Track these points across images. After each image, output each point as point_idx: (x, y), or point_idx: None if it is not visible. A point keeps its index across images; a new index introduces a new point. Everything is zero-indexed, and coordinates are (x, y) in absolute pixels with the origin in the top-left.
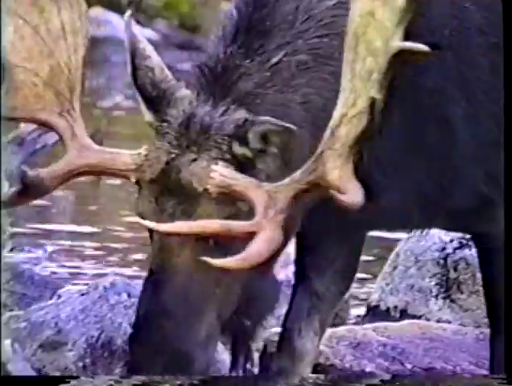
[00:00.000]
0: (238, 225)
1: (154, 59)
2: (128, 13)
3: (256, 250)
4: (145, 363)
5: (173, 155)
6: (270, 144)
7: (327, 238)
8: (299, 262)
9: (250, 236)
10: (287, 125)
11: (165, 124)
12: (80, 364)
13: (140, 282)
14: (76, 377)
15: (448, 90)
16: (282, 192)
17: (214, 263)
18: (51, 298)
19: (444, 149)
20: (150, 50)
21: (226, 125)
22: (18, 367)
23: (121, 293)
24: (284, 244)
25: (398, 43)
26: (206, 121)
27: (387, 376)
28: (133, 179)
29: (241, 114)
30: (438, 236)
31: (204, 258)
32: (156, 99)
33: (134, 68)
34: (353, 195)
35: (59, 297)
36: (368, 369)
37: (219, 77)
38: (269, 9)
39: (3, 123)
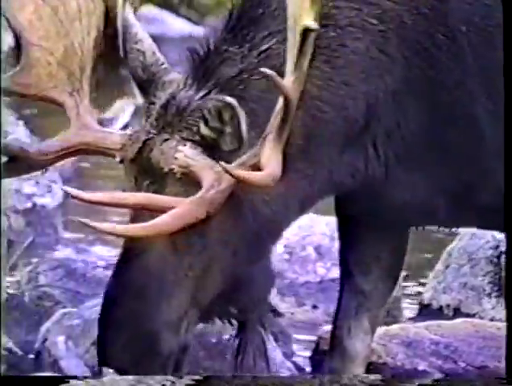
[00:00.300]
0: (160, 199)
1: (146, 43)
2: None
3: (162, 222)
4: (109, 338)
5: (151, 135)
6: (225, 123)
7: (369, 235)
8: (343, 261)
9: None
10: (228, 99)
11: (151, 106)
12: None
13: None
14: (76, 377)
15: (468, 86)
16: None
17: (103, 228)
18: None
19: (469, 146)
20: (142, 34)
21: (200, 108)
22: (72, 364)
23: None
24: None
25: (305, 23)
26: (184, 103)
27: (440, 375)
28: (117, 158)
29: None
30: (491, 234)
31: (84, 220)
32: (146, 82)
33: (126, 52)
34: (270, 170)
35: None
36: (420, 367)
37: (204, 61)
38: None
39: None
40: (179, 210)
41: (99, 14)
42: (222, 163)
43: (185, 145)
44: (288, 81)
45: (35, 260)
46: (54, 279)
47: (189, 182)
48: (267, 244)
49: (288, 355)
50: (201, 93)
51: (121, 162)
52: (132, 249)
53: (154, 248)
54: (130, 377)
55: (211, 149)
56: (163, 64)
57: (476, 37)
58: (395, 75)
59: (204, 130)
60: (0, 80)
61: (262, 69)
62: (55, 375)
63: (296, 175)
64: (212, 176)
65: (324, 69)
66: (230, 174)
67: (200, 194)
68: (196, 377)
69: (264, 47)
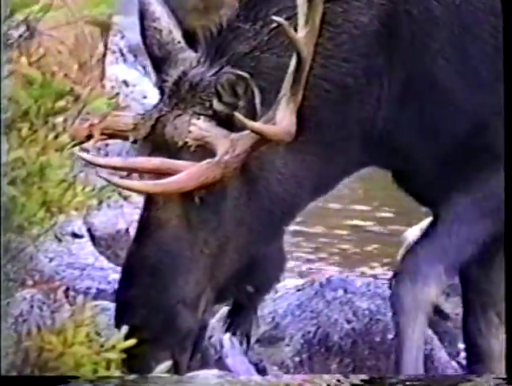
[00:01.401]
0: (176, 163)
1: (163, 20)
2: None
3: (179, 179)
4: (127, 314)
5: (163, 112)
6: (239, 97)
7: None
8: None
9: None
10: (241, 73)
11: (164, 83)
12: (297, 359)
13: (357, 279)
14: (76, 377)
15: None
16: (243, 140)
17: (123, 183)
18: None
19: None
20: (159, 12)
21: (213, 84)
22: (237, 361)
23: (337, 289)
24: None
25: None
26: (196, 79)
27: None
28: (131, 139)
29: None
30: None
31: (105, 176)
32: (161, 60)
33: (143, 29)
34: (284, 125)
35: (276, 292)
36: None
37: (216, 39)
38: None
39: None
40: (194, 169)
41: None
42: (237, 114)
43: (199, 118)
44: (300, 35)
45: None
46: None
47: (204, 155)
48: (281, 225)
49: (453, 355)
50: (214, 70)
51: (135, 142)
52: (147, 226)
53: (168, 225)
54: (297, 376)
55: (225, 123)
56: (179, 43)
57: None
58: (396, 49)
59: (217, 106)
60: (0, 80)
61: (274, 17)
62: (55, 375)
63: (310, 157)
64: (227, 144)
65: (327, 46)
66: (245, 126)
67: (215, 159)
68: (362, 376)
69: (275, 24)
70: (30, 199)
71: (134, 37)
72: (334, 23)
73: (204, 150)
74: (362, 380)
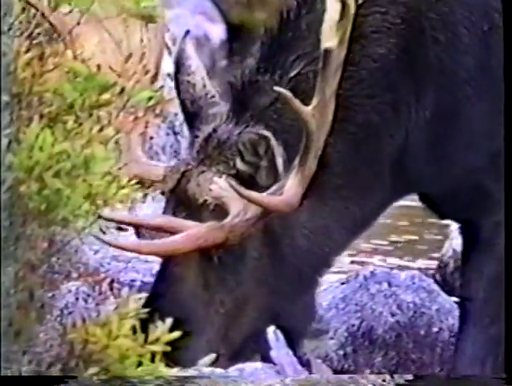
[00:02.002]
0: (179, 221)
1: (198, 75)
2: (186, 29)
3: (174, 241)
4: None
5: (190, 167)
6: (261, 157)
7: None
8: None
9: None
10: (262, 132)
11: (196, 139)
12: (341, 353)
13: (401, 272)
14: (76, 377)
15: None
16: (255, 206)
17: (115, 243)
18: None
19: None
20: (195, 66)
21: (238, 142)
22: (281, 354)
23: (381, 282)
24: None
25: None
26: (224, 137)
27: None
28: (158, 190)
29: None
30: None
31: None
32: (194, 115)
33: (178, 83)
34: (286, 196)
35: (320, 285)
36: None
37: (239, 93)
38: (294, 19)
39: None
40: (194, 231)
41: (158, 51)
42: (233, 183)
43: (221, 177)
44: (308, 108)
45: None
46: None
47: (223, 215)
48: (310, 279)
49: None
50: (240, 127)
51: (163, 193)
52: (165, 279)
53: (185, 282)
54: (344, 376)
55: (248, 183)
56: (212, 97)
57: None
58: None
59: (240, 165)
60: (0, 80)
61: (277, 88)
62: (55, 375)
63: (341, 203)
64: (240, 206)
65: (346, 86)
66: (240, 195)
67: (223, 221)
68: (408, 377)
69: (293, 73)
70: (74, 191)
71: (177, 30)
72: (352, 62)
73: (221, 209)
74: (407, 380)
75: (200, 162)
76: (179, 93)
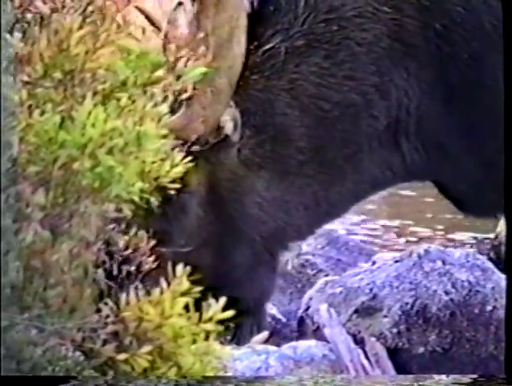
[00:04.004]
0: None
1: None
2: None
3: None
4: None
5: None
6: None
7: None
8: None
9: None
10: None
11: None
12: (395, 331)
13: (456, 250)
14: (76, 377)
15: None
16: None
17: None
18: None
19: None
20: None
21: None
22: (334, 332)
23: (435, 260)
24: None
25: None
26: None
27: None
28: None
29: None
30: None
31: None
32: None
33: None
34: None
35: (374, 263)
36: None
37: None
38: None
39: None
40: None
41: None
42: None
43: None
44: None
45: None
46: (316, 247)
47: None
48: (263, 250)
49: None
50: None
51: None
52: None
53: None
54: (410, 376)
55: None
56: None
57: None
58: (419, 61)
59: None
60: (0, 80)
61: None
62: (55, 375)
63: (303, 180)
64: None
65: (323, 65)
66: None
67: None
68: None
69: (268, 46)
70: (127, 169)
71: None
72: (329, 41)
73: None
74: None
75: None
76: None
